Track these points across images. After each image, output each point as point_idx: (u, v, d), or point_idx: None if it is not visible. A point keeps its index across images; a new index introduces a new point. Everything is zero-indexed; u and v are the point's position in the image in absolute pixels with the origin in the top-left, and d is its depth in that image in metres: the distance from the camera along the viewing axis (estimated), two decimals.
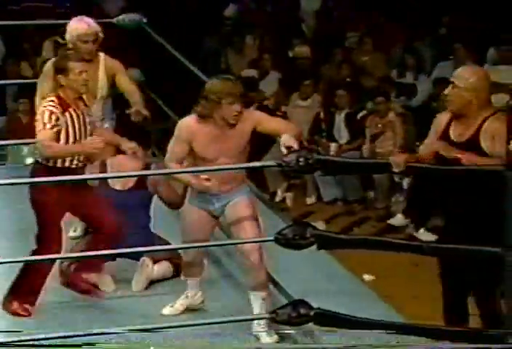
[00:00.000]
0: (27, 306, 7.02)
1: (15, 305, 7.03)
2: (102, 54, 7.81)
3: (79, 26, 7.79)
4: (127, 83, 7.82)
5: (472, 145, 5.92)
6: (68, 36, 7.84)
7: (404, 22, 13.24)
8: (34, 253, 6.88)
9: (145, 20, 8.97)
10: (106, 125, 7.87)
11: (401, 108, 11.40)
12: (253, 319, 6.40)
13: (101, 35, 7.80)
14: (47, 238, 6.86)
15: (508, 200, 5.62)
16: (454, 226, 6.10)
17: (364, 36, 13.16)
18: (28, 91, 10.43)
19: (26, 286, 6.99)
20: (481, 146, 5.90)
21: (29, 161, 10.44)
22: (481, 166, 5.81)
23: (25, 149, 10.95)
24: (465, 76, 6.00)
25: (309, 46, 13.49)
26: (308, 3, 14.02)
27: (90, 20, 7.80)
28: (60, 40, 13.08)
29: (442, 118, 6.11)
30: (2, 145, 10.90)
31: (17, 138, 9.95)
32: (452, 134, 6.03)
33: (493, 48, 11.76)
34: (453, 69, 11.41)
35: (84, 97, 6.90)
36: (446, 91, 6.08)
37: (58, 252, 6.83)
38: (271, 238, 5.98)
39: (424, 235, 9.97)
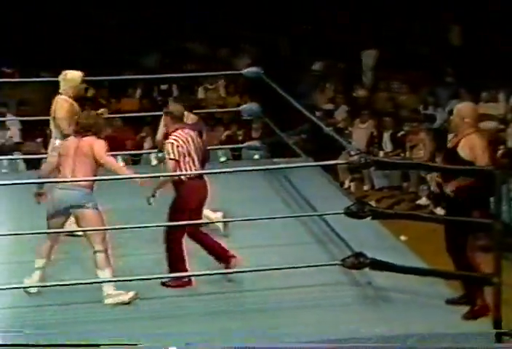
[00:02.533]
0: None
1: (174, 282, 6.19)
2: None
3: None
4: None
5: (453, 151, 5.90)
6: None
7: (427, 74, 13.12)
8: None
9: (262, 72, 8.98)
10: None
11: (425, 130, 11.30)
12: (324, 265, 6.19)
13: None
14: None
15: (496, 190, 5.58)
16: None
17: (402, 83, 13.06)
18: None
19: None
20: (458, 153, 5.86)
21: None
22: (479, 168, 5.74)
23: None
24: (456, 109, 6.06)
25: (366, 89, 13.46)
26: (366, 61, 13.91)
27: None
28: (209, 86, 13.30)
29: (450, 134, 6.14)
30: None
31: None
32: (449, 143, 6.08)
33: (485, 92, 11.66)
34: None
35: None
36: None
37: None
38: (342, 211, 5.98)
39: (440, 211, 9.88)
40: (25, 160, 10.58)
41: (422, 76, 13.15)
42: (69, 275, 6.20)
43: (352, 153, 6.25)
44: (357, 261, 5.86)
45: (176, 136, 6.28)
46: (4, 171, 9.26)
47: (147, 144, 11.81)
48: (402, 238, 8.14)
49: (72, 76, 6.99)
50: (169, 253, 6.22)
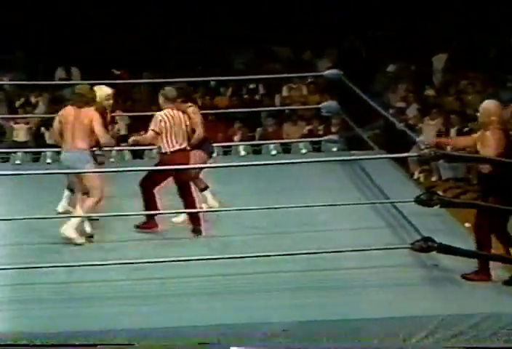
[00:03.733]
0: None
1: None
2: None
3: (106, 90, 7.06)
4: None
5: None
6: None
7: (492, 76, 12.82)
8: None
9: (342, 73, 8.90)
10: None
11: None
12: (395, 248, 6.06)
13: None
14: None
15: None
16: None
17: (468, 84, 12.76)
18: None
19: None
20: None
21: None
22: None
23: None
24: (481, 107, 5.82)
25: (435, 89, 13.19)
26: (436, 64, 13.64)
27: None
28: (293, 85, 13.26)
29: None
30: None
31: None
32: None
33: None
34: None
35: None
36: None
37: None
38: (412, 200, 5.87)
39: None
40: (130, 150, 10.73)
41: (487, 78, 12.83)
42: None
43: (422, 146, 6.10)
44: (425, 245, 5.77)
45: (164, 113, 6.64)
46: (111, 160, 9.41)
47: (237, 137, 11.85)
48: (467, 225, 7.94)
49: (98, 94, 6.93)
50: (145, 203, 6.68)
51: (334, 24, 14.11)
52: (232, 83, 13.21)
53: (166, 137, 6.62)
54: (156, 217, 6.72)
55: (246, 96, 13.17)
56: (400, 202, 6.51)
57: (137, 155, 10.73)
